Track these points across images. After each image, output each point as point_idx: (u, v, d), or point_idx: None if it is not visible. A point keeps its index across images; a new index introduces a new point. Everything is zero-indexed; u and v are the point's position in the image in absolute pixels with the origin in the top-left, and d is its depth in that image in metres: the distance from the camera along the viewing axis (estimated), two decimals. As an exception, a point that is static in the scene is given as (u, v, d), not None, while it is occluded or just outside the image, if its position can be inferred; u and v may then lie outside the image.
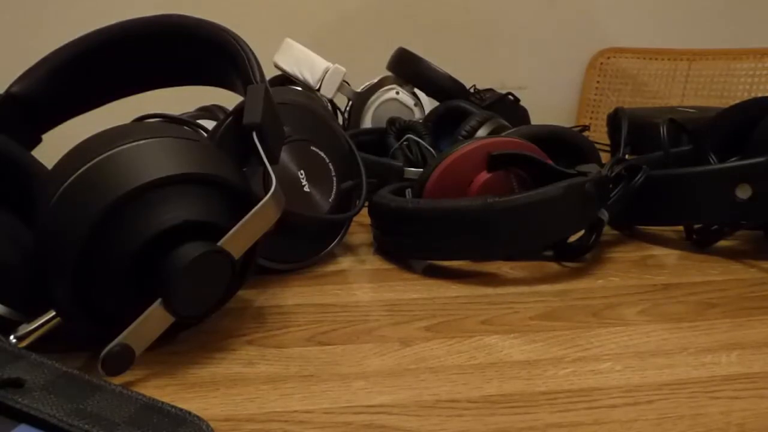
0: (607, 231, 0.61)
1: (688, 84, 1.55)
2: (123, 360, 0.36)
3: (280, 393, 0.36)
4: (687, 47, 1.57)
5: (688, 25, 1.66)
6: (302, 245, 0.55)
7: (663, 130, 0.65)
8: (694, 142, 0.67)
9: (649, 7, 1.68)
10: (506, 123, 0.78)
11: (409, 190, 0.59)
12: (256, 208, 0.39)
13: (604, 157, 0.72)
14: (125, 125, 0.41)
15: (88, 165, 0.37)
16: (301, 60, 0.93)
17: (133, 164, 0.37)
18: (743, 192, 0.54)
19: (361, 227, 0.64)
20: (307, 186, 0.54)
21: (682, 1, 1.69)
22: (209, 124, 0.62)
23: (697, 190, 0.57)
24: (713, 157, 0.63)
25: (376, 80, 0.97)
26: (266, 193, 0.39)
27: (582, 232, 0.57)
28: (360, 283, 0.53)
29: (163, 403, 0.30)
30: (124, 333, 0.35)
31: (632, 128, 0.71)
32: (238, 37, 0.47)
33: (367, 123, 0.95)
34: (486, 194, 0.51)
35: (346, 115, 1.00)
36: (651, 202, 0.60)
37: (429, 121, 0.86)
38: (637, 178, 0.58)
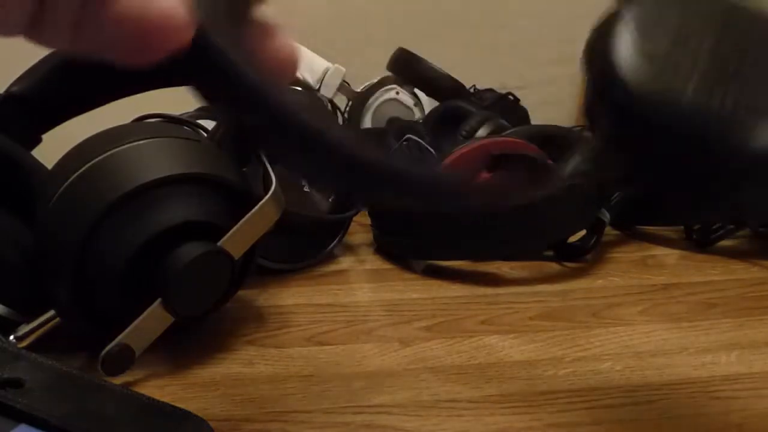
0: (608, 231, 0.61)
1: (688, 84, 1.55)
2: (123, 360, 0.36)
3: (280, 393, 0.36)
4: (687, 47, 1.57)
5: (688, 25, 1.66)
6: (302, 245, 0.55)
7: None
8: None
9: (649, 7, 1.68)
10: (506, 123, 0.78)
11: (409, 190, 0.59)
12: (256, 208, 0.39)
13: (604, 157, 0.72)
14: (125, 125, 0.41)
15: (88, 165, 0.37)
16: (301, 60, 0.93)
17: (133, 164, 0.37)
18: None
19: (361, 227, 0.64)
20: (307, 186, 0.54)
21: (682, 1, 1.69)
22: (209, 124, 0.62)
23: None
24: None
25: (376, 80, 0.97)
26: (266, 193, 0.39)
27: (583, 232, 0.56)
28: (360, 283, 0.53)
29: (163, 403, 0.30)
30: (124, 333, 0.35)
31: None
32: (238, 37, 0.47)
33: (367, 123, 0.95)
34: (486, 194, 0.51)
35: (346, 115, 1.00)
36: (651, 202, 0.60)
37: (429, 121, 0.86)
38: (637, 178, 0.58)
